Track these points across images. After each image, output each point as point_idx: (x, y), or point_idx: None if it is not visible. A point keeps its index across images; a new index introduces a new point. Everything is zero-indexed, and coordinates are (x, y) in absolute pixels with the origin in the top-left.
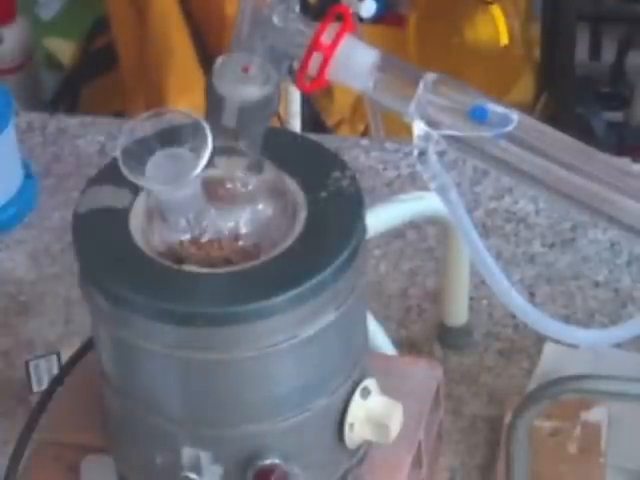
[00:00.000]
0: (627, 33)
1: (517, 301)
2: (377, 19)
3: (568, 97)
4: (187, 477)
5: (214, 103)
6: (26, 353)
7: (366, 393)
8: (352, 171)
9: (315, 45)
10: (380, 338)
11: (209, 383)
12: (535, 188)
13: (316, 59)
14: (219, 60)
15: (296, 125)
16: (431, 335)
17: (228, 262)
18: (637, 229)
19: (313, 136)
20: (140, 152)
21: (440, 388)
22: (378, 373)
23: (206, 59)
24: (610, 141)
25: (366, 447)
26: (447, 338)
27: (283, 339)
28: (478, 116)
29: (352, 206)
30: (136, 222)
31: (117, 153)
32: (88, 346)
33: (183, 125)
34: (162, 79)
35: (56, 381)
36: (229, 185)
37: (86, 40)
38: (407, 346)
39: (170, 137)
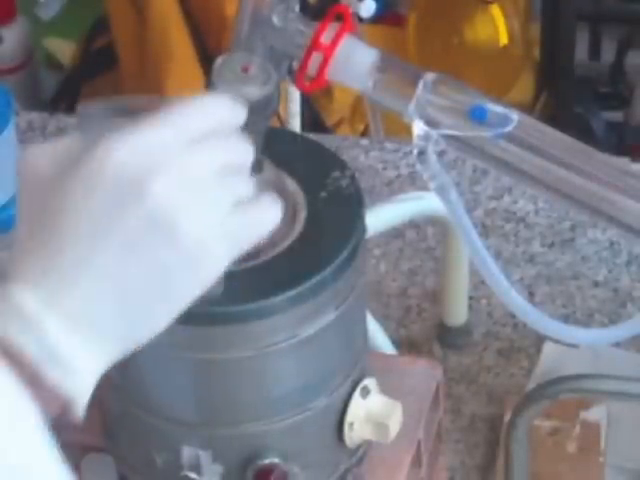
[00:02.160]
0: (627, 33)
1: (516, 301)
2: (377, 19)
3: (568, 97)
4: (187, 476)
5: None
6: None
7: (366, 392)
8: (352, 171)
9: (315, 45)
10: (380, 337)
11: (209, 383)
12: (534, 188)
13: (316, 59)
14: (219, 60)
15: (296, 125)
16: (430, 335)
17: None
18: (636, 229)
19: (313, 136)
20: None
21: (439, 387)
22: (378, 372)
23: (206, 59)
24: (610, 141)
25: (366, 446)
26: (446, 337)
27: (283, 339)
28: (478, 116)
29: (352, 206)
30: None
31: None
32: None
33: None
34: (162, 79)
35: None
36: None
37: (86, 40)
38: (406, 345)
39: None
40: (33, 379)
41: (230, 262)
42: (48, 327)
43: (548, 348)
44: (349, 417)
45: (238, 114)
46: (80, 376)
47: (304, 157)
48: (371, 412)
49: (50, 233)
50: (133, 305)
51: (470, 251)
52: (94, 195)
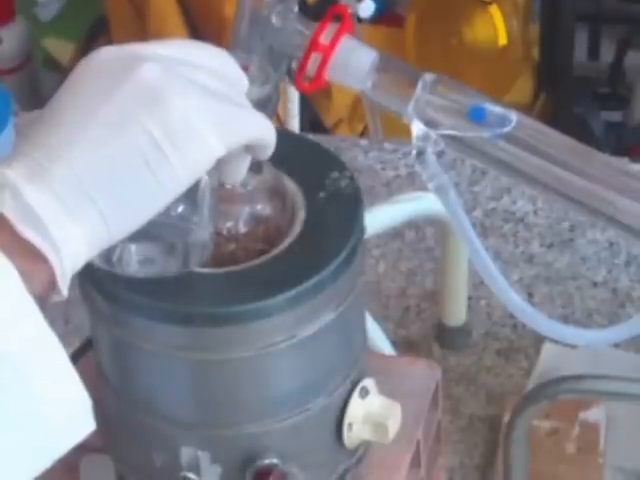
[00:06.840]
0: (626, 33)
1: (515, 301)
2: (376, 19)
3: (567, 97)
4: (186, 477)
5: None
6: None
7: (364, 393)
8: (350, 171)
9: (314, 45)
10: (379, 338)
11: (208, 383)
12: (533, 188)
13: (315, 59)
14: None
15: (295, 125)
16: (429, 335)
17: (227, 261)
18: (635, 229)
19: (312, 136)
20: None
21: (439, 388)
22: (376, 373)
23: None
24: (609, 141)
25: (365, 447)
26: (445, 338)
27: (282, 339)
28: (477, 116)
29: (351, 206)
30: None
31: None
32: (87, 346)
33: None
34: None
35: None
36: (229, 185)
37: (85, 41)
38: (405, 346)
39: None
40: (14, 244)
41: (220, 153)
42: (25, 189)
43: (547, 348)
44: (348, 417)
45: (243, 76)
46: (60, 242)
47: (303, 157)
48: (370, 412)
49: (45, 119)
50: (117, 182)
51: (469, 251)
52: (87, 76)
